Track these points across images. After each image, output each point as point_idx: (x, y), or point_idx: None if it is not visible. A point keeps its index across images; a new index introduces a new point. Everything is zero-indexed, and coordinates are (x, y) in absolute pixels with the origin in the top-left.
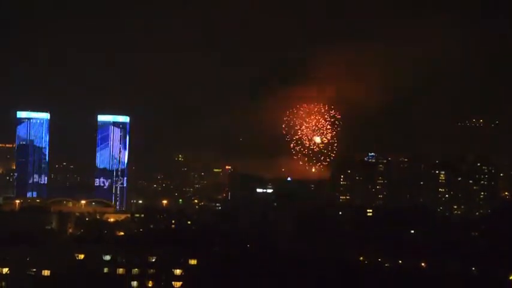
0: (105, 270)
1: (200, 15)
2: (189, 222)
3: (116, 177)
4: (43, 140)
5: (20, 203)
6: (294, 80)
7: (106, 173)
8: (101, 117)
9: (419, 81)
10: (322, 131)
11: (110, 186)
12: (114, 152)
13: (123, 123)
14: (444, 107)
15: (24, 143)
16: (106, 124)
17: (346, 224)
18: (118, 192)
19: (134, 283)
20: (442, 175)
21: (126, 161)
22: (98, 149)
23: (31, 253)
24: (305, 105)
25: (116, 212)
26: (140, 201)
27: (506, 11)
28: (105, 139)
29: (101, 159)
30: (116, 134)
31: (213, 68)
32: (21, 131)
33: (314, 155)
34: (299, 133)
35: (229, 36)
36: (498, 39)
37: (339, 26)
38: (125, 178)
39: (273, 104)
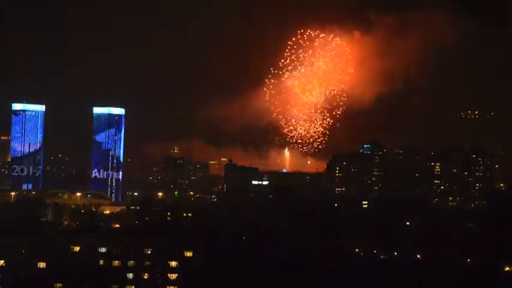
0: (101, 262)
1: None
2: (184, 215)
3: (111, 169)
4: (38, 132)
5: (16, 195)
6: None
7: (101, 165)
8: (96, 110)
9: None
10: (317, 121)
11: (106, 178)
12: (109, 144)
13: (119, 116)
14: (439, 98)
15: (19, 135)
16: (101, 116)
17: (341, 215)
18: (113, 185)
19: (130, 275)
20: (437, 167)
21: (121, 153)
22: (93, 141)
23: (27, 245)
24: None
25: (112, 204)
26: (136, 194)
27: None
28: (101, 131)
29: (97, 151)
30: (111, 126)
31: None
32: (16, 123)
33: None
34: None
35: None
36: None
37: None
38: (121, 170)
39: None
